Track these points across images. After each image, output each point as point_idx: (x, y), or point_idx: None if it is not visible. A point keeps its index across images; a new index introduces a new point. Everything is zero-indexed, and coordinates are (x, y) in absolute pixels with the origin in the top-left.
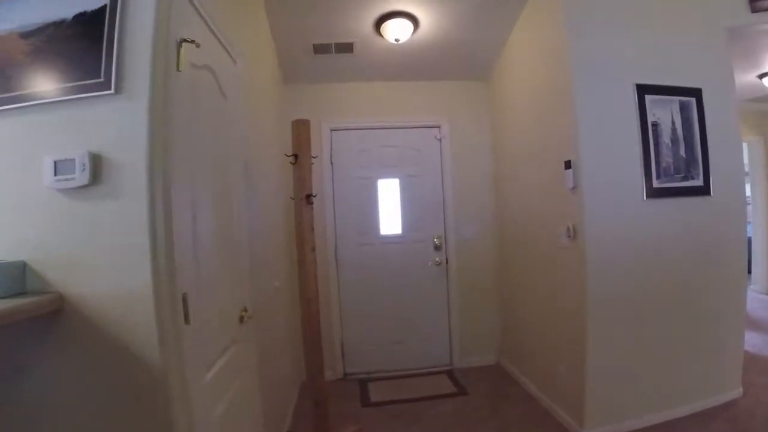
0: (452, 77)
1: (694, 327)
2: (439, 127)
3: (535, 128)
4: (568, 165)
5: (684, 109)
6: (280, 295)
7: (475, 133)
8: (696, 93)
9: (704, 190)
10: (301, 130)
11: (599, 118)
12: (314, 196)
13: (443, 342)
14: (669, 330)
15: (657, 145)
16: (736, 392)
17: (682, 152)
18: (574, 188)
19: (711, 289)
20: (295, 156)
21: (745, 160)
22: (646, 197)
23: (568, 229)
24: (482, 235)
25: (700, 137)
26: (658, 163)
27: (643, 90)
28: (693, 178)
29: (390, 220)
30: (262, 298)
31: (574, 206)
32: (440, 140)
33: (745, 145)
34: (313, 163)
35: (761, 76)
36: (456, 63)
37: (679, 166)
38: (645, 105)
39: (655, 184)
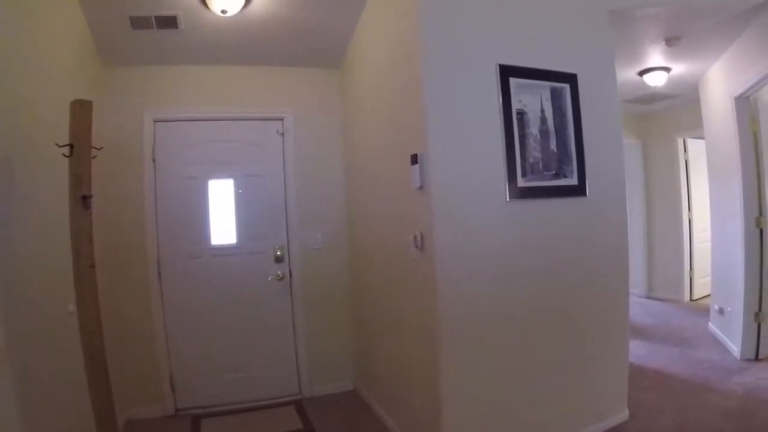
0: (298, 63)
1: (572, 344)
2: (282, 119)
3: (385, 119)
4: (414, 159)
5: (556, 96)
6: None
7: (325, 126)
8: (570, 79)
9: (579, 190)
10: (79, 113)
11: (453, 103)
12: (90, 197)
13: (290, 368)
14: (543, 349)
15: (523, 137)
16: (622, 416)
17: (553, 146)
18: (421, 188)
19: (590, 300)
20: (71, 146)
21: None
22: (510, 198)
23: (416, 237)
24: (332, 244)
25: (575, 130)
26: (524, 158)
27: (507, 72)
28: (566, 176)
29: (224, 228)
30: (45, 325)
31: (422, 210)
32: (283, 134)
33: None
34: (95, 156)
35: (642, 73)
36: (302, 47)
37: (550, 162)
38: (509, 89)
39: (521, 182)
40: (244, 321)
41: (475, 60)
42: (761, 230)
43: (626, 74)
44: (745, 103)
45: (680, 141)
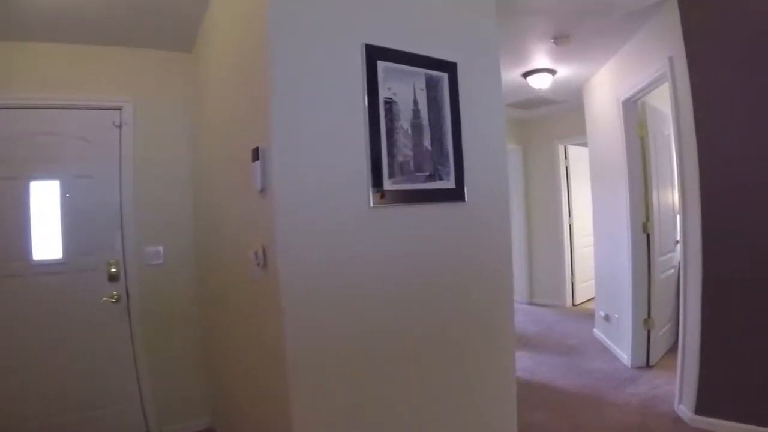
0: (142, 43)
1: (451, 367)
2: (120, 109)
3: (230, 107)
4: (255, 155)
5: (432, 86)
6: None
7: (172, 119)
8: (449, 68)
9: (457, 195)
10: None
11: (307, 87)
12: None
13: (134, 405)
14: (417, 378)
15: (392, 131)
16: None
17: (428, 143)
18: (263, 190)
19: (471, 318)
20: None
21: None
22: (374, 204)
23: (257, 253)
24: (178, 259)
25: (453, 126)
26: (392, 156)
27: (375, 53)
28: (442, 179)
29: (47, 240)
30: None
31: (264, 218)
32: (120, 127)
33: None
34: None
35: (527, 75)
36: (146, 23)
37: (423, 161)
38: (377, 75)
39: (388, 185)
40: (74, 352)
41: (336, 37)
42: (648, 236)
43: (510, 75)
44: (632, 108)
45: (561, 147)
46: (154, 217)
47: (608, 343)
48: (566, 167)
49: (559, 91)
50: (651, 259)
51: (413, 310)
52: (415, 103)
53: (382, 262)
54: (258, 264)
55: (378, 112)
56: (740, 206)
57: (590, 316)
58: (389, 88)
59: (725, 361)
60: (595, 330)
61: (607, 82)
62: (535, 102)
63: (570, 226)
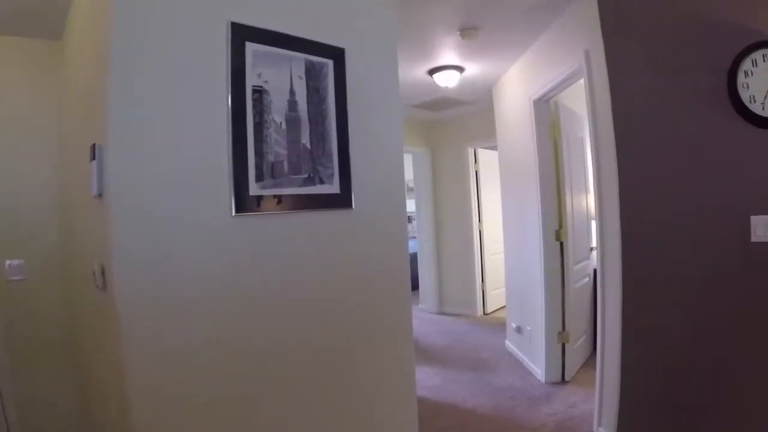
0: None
1: (340, 399)
2: None
3: (81, 101)
4: (93, 153)
5: (314, 75)
6: None
7: (34, 112)
8: (336, 54)
9: (342, 201)
10: None
11: (157, 72)
12: None
13: None
14: (296, 416)
15: (262, 125)
16: None
17: (306, 140)
18: (100, 196)
19: (361, 341)
20: None
21: (410, 175)
22: (238, 212)
23: (95, 272)
24: (43, 274)
25: (339, 121)
26: (261, 155)
27: (243, 33)
28: (323, 182)
29: None
30: None
31: (102, 229)
32: None
33: (409, 157)
34: None
35: (433, 72)
36: (8, 8)
37: (301, 162)
38: (245, 58)
39: (255, 189)
40: None
41: (196, 14)
42: (561, 243)
43: (415, 72)
44: (545, 107)
45: (471, 151)
46: (13, 223)
47: (521, 356)
48: (476, 171)
49: (468, 91)
50: (565, 269)
51: (291, 338)
52: (292, 93)
53: (251, 282)
54: (97, 285)
55: (244, 103)
56: (661, 211)
57: (502, 325)
58: (259, 75)
59: (648, 377)
60: (507, 342)
61: (518, 81)
62: (444, 103)
63: (480, 232)
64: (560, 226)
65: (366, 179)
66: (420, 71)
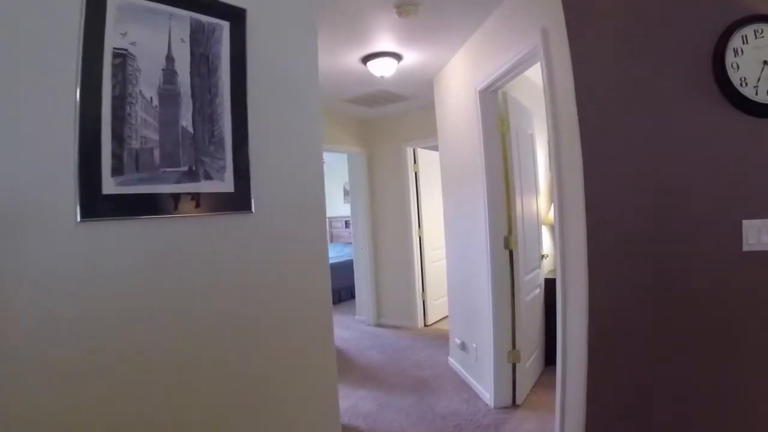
0: None
1: None
2: None
3: None
4: None
5: (202, 39)
6: None
7: None
8: (234, 15)
9: (237, 202)
10: None
11: None
12: None
13: None
14: None
15: (124, 100)
16: None
17: (187, 123)
18: None
19: (269, 383)
20: None
21: (346, 177)
22: (84, 217)
23: None
24: None
25: (235, 99)
26: (120, 139)
27: None
28: (210, 177)
29: None
30: None
31: None
32: None
33: (344, 157)
34: None
35: (367, 60)
36: None
37: (178, 150)
38: (105, 11)
39: (111, 186)
40: None
41: None
42: (511, 252)
43: (347, 59)
44: (492, 99)
45: (410, 151)
46: None
47: (466, 375)
48: (416, 173)
49: (407, 83)
50: (515, 280)
51: (173, 382)
52: (170, 60)
53: (109, 312)
54: None
55: (100, 69)
56: (636, 217)
57: (445, 339)
58: (125, 34)
59: (620, 397)
60: (450, 359)
61: (462, 69)
62: (380, 97)
63: (420, 238)
64: (510, 233)
65: (272, 175)
66: (352, 58)
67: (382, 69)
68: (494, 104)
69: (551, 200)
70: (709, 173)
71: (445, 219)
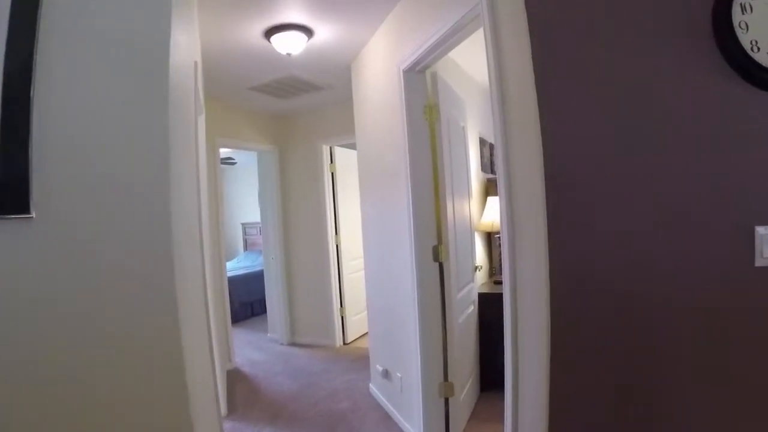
0: None
1: None
2: None
3: None
4: None
5: None
6: None
7: None
8: None
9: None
10: None
11: None
12: None
13: None
14: None
15: None
16: None
17: None
18: None
19: None
20: None
21: (255, 175)
22: None
23: None
24: None
25: (13, 36)
26: None
27: None
28: None
29: None
30: None
31: None
32: None
33: (254, 156)
34: None
35: (270, 33)
36: None
37: None
38: None
39: None
40: None
41: None
42: (441, 265)
43: (246, 33)
44: (419, 80)
45: (326, 149)
46: None
47: (390, 408)
48: (332, 174)
49: (320, 69)
50: (446, 298)
51: None
52: None
53: None
54: None
55: None
56: (615, 222)
57: (366, 359)
58: None
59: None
60: (372, 386)
61: (384, 48)
62: (291, 85)
63: (338, 246)
64: (440, 242)
65: (80, 165)
66: (253, 31)
67: (288, 45)
68: (421, 87)
69: (484, 203)
70: (712, 166)
71: (363, 227)
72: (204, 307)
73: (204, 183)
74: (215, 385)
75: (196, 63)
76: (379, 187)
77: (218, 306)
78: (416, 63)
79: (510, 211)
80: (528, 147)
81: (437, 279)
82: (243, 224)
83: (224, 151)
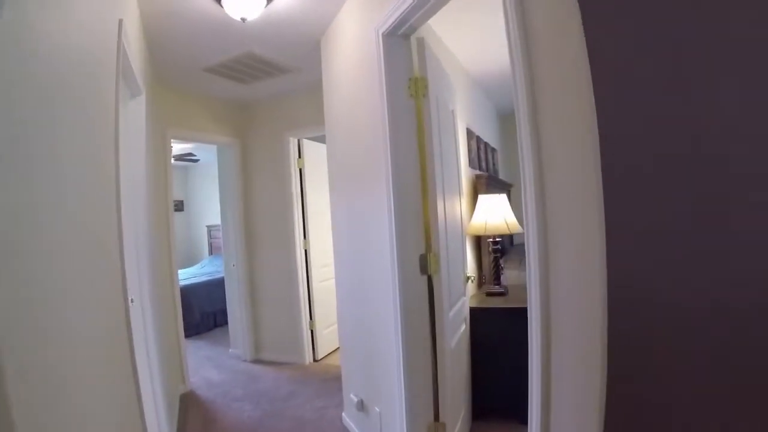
0: None
1: None
2: None
3: None
4: None
5: None
6: None
7: None
8: None
9: None
10: None
11: None
12: None
13: None
14: None
15: None
16: None
17: None
18: None
19: None
20: None
21: (214, 169)
22: None
23: None
24: None
25: None
26: None
27: None
28: None
29: None
30: None
31: None
32: None
33: (213, 150)
34: None
35: None
36: None
37: None
38: None
39: None
40: None
41: None
42: (430, 278)
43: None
44: (402, 47)
45: (293, 142)
46: None
47: None
48: (300, 170)
49: (285, 44)
50: (436, 318)
51: None
52: None
53: None
54: None
55: None
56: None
57: (338, 380)
58: None
59: None
60: (345, 416)
61: (359, 11)
62: (251, 66)
63: (306, 251)
64: (428, 250)
65: None
66: None
67: (242, 7)
68: (405, 56)
69: (472, 203)
70: None
71: (333, 232)
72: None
73: (142, 178)
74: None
75: (121, 21)
76: (353, 183)
77: (170, 320)
78: (399, 24)
79: (541, 211)
80: (571, 122)
81: (425, 296)
82: (208, 227)
83: (185, 147)
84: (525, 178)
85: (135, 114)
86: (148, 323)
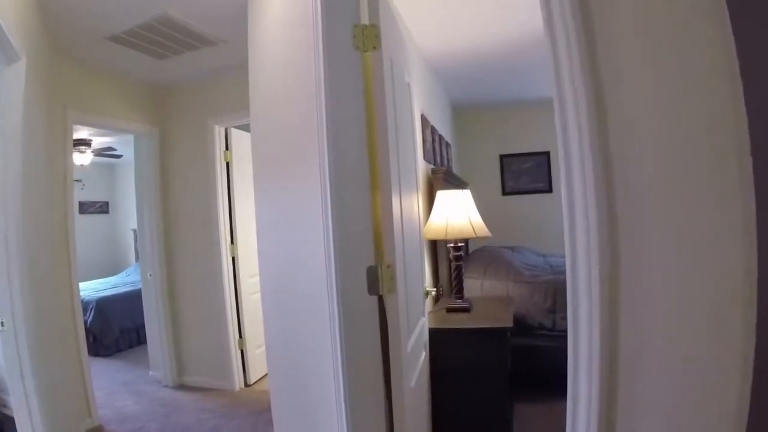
0: None
1: None
2: None
3: None
4: None
5: None
6: None
7: None
8: None
9: None
10: None
11: None
12: None
13: None
14: None
15: None
16: None
17: None
18: None
19: None
20: None
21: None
22: None
23: None
24: None
25: None
26: None
27: None
28: None
29: None
30: None
31: None
32: None
33: (130, 141)
34: None
35: None
36: None
37: None
38: None
39: None
40: None
41: None
42: (381, 298)
43: None
44: None
45: (219, 132)
46: None
47: None
48: (227, 164)
49: (209, 8)
50: (392, 353)
51: None
52: None
53: None
54: None
55: None
56: None
57: (270, 411)
58: None
59: None
60: None
61: None
62: (167, 35)
63: (234, 259)
64: (380, 262)
65: None
66: None
67: None
68: (352, 9)
69: (429, 201)
70: None
71: (258, 236)
72: None
73: (17, 168)
74: None
75: None
76: (279, 171)
77: (69, 342)
78: None
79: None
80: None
81: (375, 322)
82: (134, 230)
83: (104, 141)
84: (588, 159)
85: (10, 86)
86: (23, 350)
